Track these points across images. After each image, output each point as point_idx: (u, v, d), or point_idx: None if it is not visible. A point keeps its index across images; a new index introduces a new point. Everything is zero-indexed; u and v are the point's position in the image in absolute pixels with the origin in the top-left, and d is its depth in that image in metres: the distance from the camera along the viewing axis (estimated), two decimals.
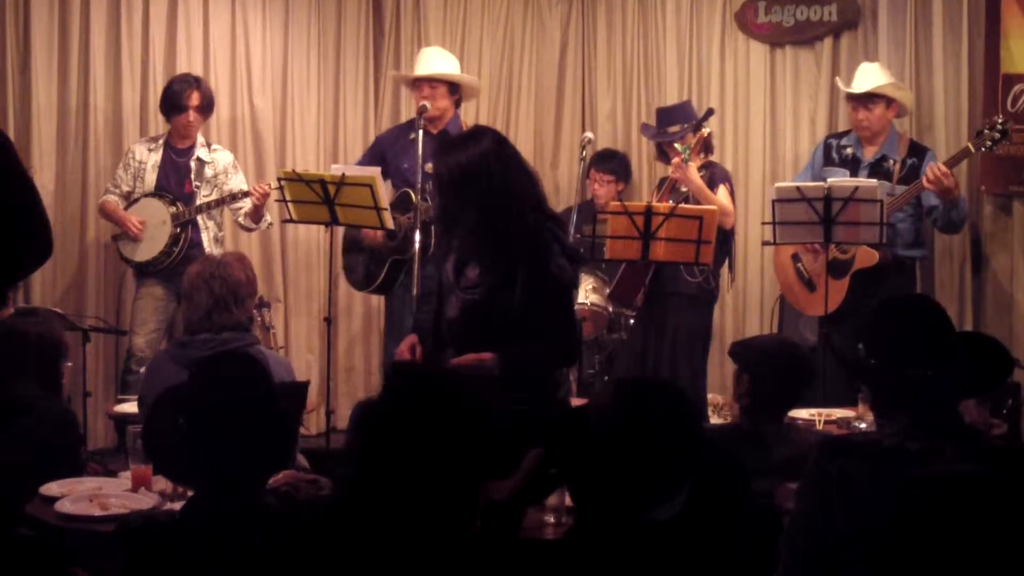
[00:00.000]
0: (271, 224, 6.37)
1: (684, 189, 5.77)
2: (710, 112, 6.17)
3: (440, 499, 2.17)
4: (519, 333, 3.60)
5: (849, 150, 5.95)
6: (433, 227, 4.29)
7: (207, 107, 6.13)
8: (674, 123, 5.97)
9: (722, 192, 5.81)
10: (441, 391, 2.25)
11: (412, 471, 2.16)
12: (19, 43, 6.37)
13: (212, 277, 4.00)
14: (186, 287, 4.06)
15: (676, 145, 5.82)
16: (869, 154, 5.88)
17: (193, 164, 6.12)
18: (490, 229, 3.58)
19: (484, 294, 3.66)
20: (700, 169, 5.80)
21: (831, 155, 6.00)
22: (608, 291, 6.13)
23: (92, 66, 6.49)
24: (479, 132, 3.78)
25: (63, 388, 4.19)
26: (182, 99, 6.00)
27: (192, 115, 6.03)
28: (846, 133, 6.06)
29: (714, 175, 5.86)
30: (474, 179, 3.56)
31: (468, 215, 3.59)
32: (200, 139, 6.19)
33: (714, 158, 6.63)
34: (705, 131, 5.87)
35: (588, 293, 6.26)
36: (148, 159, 6.12)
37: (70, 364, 4.29)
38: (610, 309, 6.31)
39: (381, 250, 5.95)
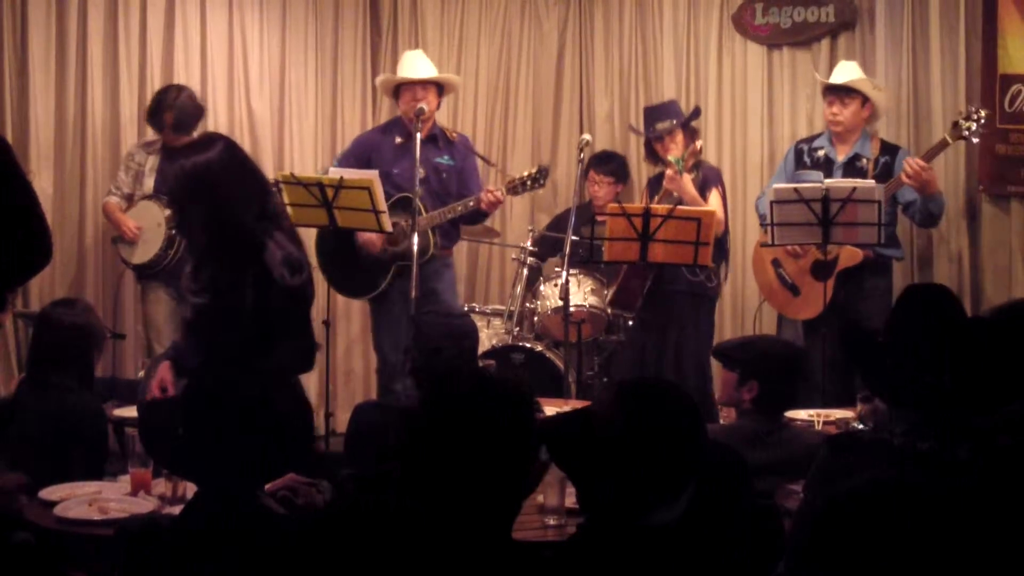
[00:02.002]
0: None
1: (676, 194, 5.77)
2: (697, 111, 6.17)
3: (482, 502, 2.17)
4: (249, 337, 3.75)
5: (822, 152, 5.94)
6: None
7: (183, 125, 6.03)
8: (662, 119, 5.97)
9: (714, 198, 5.81)
10: (483, 393, 2.25)
11: (454, 474, 2.16)
12: (16, 47, 6.37)
13: None
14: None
15: (670, 157, 5.82)
16: (842, 154, 5.88)
17: None
18: (217, 234, 3.68)
19: (211, 298, 3.80)
20: (691, 170, 5.80)
21: (803, 159, 5.99)
22: (609, 297, 6.11)
23: (89, 70, 6.49)
24: (210, 140, 3.96)
25: (95, 380, 4.23)
26: (160, 120, 5.99)
27: (171, 134, 6.00)
28: (817, 136, 6.06)
29: (707, 177, 5.86)
30: (202, 186, 3.72)
31: (197, 221, 3.70)
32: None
33: (712, 160, 6.64)
34: (699, 144, 5.88)
35: (587, 295, 6.25)
36: (147, 162, 6.13)
37: None
38: (609, 311, 6.31)
39: (380, 256, 5.91)
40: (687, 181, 5.70)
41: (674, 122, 5.93)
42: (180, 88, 6.15)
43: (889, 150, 5.87)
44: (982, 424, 2.50)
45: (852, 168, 5.81)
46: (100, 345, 4.32)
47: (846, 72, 5.90)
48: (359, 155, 6.06)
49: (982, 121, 5.48)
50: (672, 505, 2.30)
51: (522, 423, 2.23)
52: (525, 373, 6.03)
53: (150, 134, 6.44)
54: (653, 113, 6.10)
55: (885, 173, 5.74)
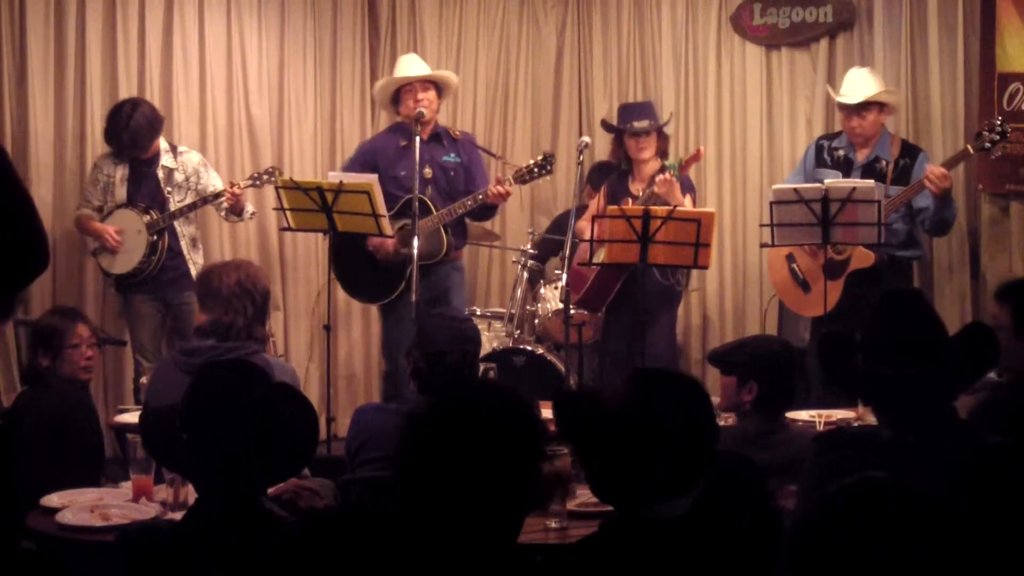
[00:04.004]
0: (254, 213, 6.34)
1: (645, 191, 5.79)
2: (669, 120, 6.22)
3: (487, 510, 2.17)
4: None
5: (841, 152, 5.93)
6: None
7: (140, 144, 5.99)
8: (640, 118, 5.97)
9: (688, 204, 5.82)
10: (489, 403, 2.25)
11: (458, 481, 2.16)
12: (15, 55, 6.37)
13: (254, 288, 3.98)
14: (224, 292, 3.98)
15: (665, 162, 5.85)
16: (862, 156, 5.87)
17: (161, 172, 6.08)
18: None
19: None
20: (662, 170, 5.81)
21: (823, 156, 5.98)
22: (580, 297, 6.07)
23: (88, 78, 6.49)
24: None
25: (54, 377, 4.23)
26: (116, 142, 5.97)
27: (132, 150, 5.98)
28: (838, 134, 6.03)
29: (682, 183, 5.87)
30: None
31: None
32: (164, 145, 6.13)
33: (711, 161, 6.65)
34: (702, 149, 5.90)
35: None
36: (116, 173, 6.08)
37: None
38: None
39: (394, 260, 5.90)
40: (678, 187, 5.71)
41: (652, 123, 5.95)
42: (135, 104, 6.04)
43: (910, 152, 5.84)
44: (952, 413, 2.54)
45: (871, 170, 5.78)
46: (56, 343, 4.34)
47: (860, 84, 5.83)
48: (364, 160, 6.08)
49: (1004, 131, 5.46)
50: (678, 500, 2.29)
51: (526, 435, 2.23)
52: (524, 379, 6.02)
53: None
54: (631, 111, 6.10)
55: (904, 175, 5.73)
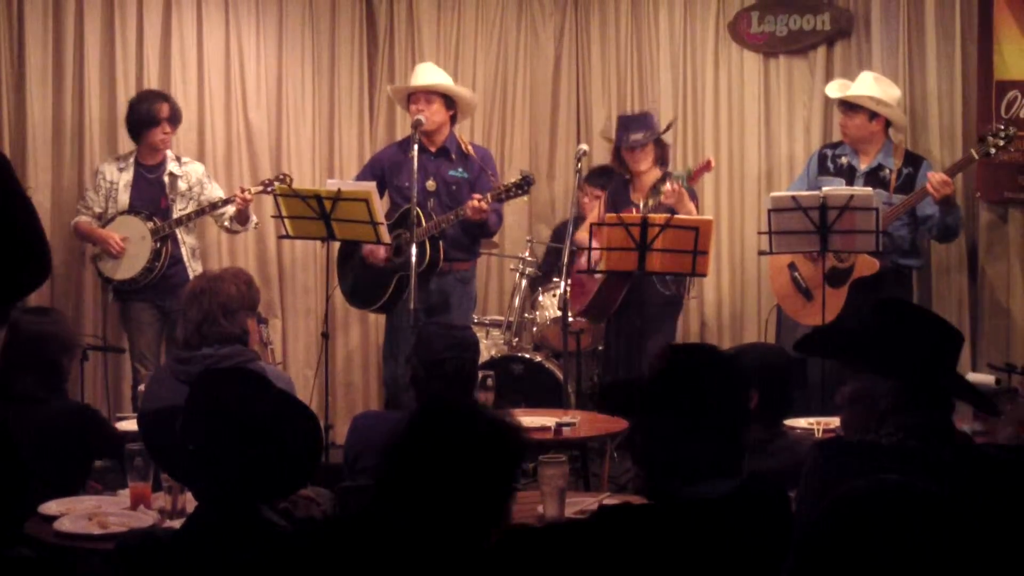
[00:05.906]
0: (258, 223, 6.37)
1: (650, 203, 5.79)
2: (670, 125, 6.21)
3: (460, 520, 2.19)
4: None
5: (844, 159, 5.95)
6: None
7: (177, 119, 6.14)
8: (636, 131, 5.97)
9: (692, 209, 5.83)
10: (468, 422, 2.28)
11: (434, 498, 2.19)
12: (14, 61, 6.38)
13: (202, 292, 4.07)
14: (182, 303, 4.12)
15: (672, 171, 5.86)
16: (864, 163, 5.89)
17: (166, 179, 6.12)
18: None
19: None
20: (664, 182, 5.82)
21: (826, 164, 6.00)
22: (584, 306, 6.06)
23: (87, 84, 6.50)
24: None
25: (66, 388, 4.20)
26: (154, 113, 6.02)
27: (167, 127, 6.06)
28: (841, 143, 6.06)
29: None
30: None
31: None
32: (169, 153, 6.18)
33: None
34: (712, 161, 5.91)
35: None
36: (119, 179, 6.10)
37: None
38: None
39: (383, 268, 5.92)
40: (687, 197, 5.72)
41: (647, 134, 5.95)
42: (158, 90, 6.26)
43: (912, 161, 5.86)
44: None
45: (875, 178, 5.80)
46: (71, 352, 4.27)
47: (857, 85, 5.90)
48: (373, 171, 6.14)
49: (1010, 136, 5.47)
50: (717, 481, 2.36)
51: (503, 462, 2.26)
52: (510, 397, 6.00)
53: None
54: (628, 123, 6.09)
55: (907, 184, 5.74)
